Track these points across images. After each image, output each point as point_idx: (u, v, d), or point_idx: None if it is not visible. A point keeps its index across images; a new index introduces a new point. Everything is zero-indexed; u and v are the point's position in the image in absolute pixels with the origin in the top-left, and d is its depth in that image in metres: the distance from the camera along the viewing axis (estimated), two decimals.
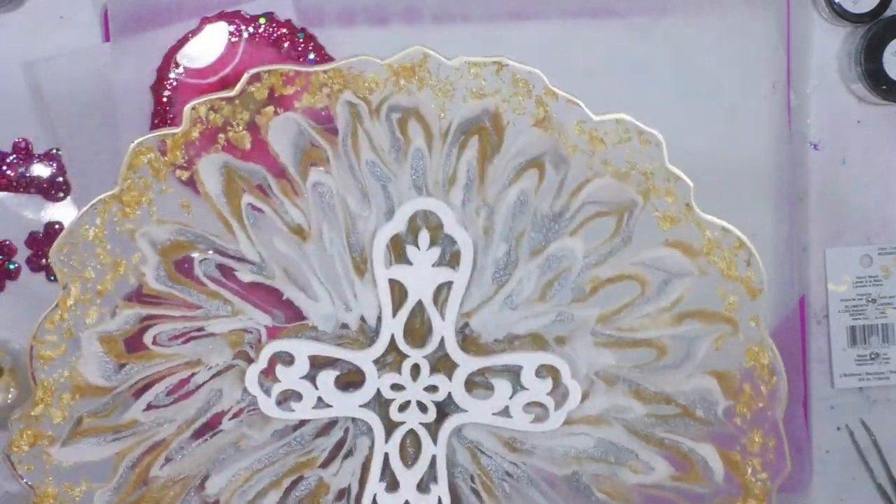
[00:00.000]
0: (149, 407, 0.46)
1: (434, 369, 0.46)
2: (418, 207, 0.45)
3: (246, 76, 0.45)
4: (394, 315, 0.45)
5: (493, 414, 0.46)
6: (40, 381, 0.46)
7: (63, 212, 0.60)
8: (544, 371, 0.46)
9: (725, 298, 0.47)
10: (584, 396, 0.46)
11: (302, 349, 0.45)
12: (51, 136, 0.60)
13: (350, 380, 0.46)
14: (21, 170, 0.60)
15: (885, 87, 0.62)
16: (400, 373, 0.46)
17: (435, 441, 0.46)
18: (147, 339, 0.46)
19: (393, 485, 0.46)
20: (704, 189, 0.63)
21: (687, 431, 0.47)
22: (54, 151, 0.60)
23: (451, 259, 0.46)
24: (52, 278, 0.60)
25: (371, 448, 0.46)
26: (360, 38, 0.59)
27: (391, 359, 0.46)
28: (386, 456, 0.46)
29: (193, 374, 0.46)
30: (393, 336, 0.46)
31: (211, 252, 0.46)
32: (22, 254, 0.60)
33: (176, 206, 0.45)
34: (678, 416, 0.47)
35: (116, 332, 0.46)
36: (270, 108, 0.45)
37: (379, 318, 0.46)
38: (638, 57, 0.63)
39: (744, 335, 0.47)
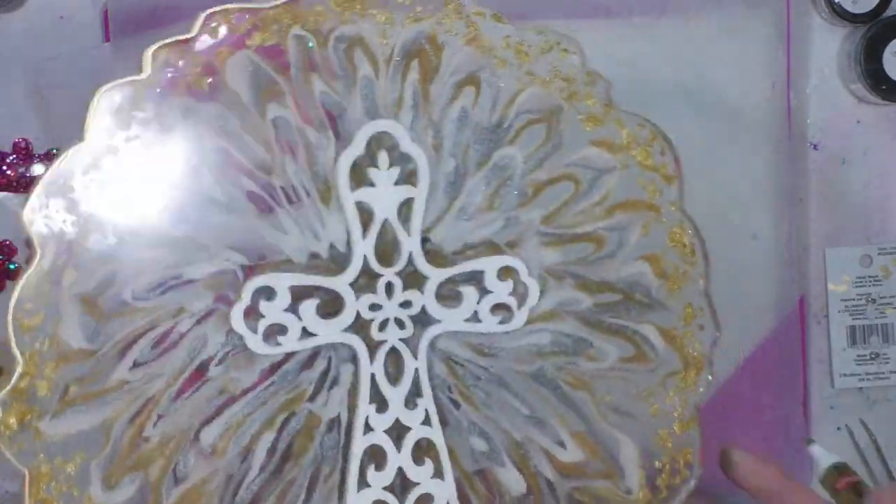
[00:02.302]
0: (135, 364, 0.46)
1: (406, 285, 0.48)
2: (375, 130, 0.47)
3: (201, 17, 0.46)
4: (364, 237, 0.47)
5: (465, 320, 0.48)
6: (24, 353, 0.44)
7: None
8: (503, 273, 0.49)
9: (646, 187, 0.50)
10: (540, 296, 0.49)
11: (282, 282, 0.46)
12: (51, 136, 0.60)
13: (328, 310, 0.47)
14: (21, 170, 0.60)
15: (885, 87, 0.62)
16: (375, 292, 0.47)
17: (416, 355, 0.48)
18: (126, 294, 0.45)
19: (382, 405, 0.48)
20: (705, 189, 0.63)
21: (630, 315, 0.50)
22: (54, 151, 0.60)
23: (407, 177, 0.48)
24: None
25: (355, 373, 0.48)
26: None
27: (365, 281, 0.48)
28: (372, 377, 0.47)
29: (176, 325, 0.46)
30: (365, 257, 0.47)
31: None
32: (22, 254, 0.60)
33: (145, 153, 0.45)
34: (620, 301, 0.50)
35: (95, 292, 0.45)
36: (225, 49, 0.46)
37: (348, 244, 0.47)
38: (638, 57, 0.63)
39: (666, 219, 0.50)
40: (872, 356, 0.64)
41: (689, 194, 0.63)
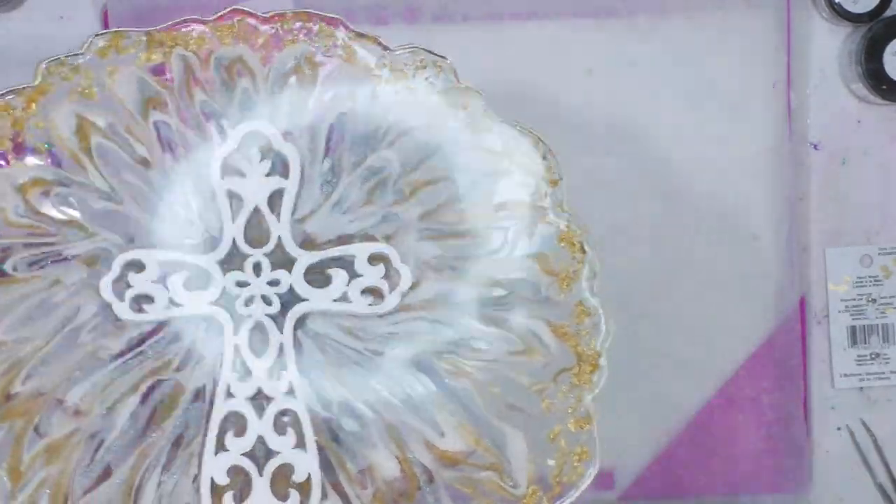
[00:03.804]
0: (10, 328, 0.50)
1: (275, 266, 0.51)
2: (248, 129, 0.51)
3: (91, 37, 0.51)
4: (233, 221, 0.51)
5: (334, 300, 0.51)
6: None
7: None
8: (374, 259, 0.51)
9: (531, 190, 0.52)
10: (416, 284, 0.52)
11: (151, 256, 0.51)
12: None
13: (197, 286, 0.51)
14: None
15: (885, 87, 0.62)
16: (243, 270, 0.51)
17: (281, 330, 0.51)
18: (8, 266, 0.50)
19: (245, 375, 0.51)
20: (705, 189, 0.63)
21: (516, 310, 0.52)
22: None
23: (282, 172, 0.52)
24: None
25: (223, 346, 0.51)
26: None
27: (234, 261, 0.51)
28: (236, 347, 0.50)
29: (51, 296, 0.51)
30: (234, 239, 0.51)
31: (66, 186, 0.51)
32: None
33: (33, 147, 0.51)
34: (505, 296, 0.52)
35: None
36: (115, 67, 0.51)
37: (221, 229, 0.51)
38: (638, 57, 0.63)
39: (553, 219, 0.52)
40: (873, 356, 0.64)
41: (690, 194, 0.63)
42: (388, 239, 0.52)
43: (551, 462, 0.50)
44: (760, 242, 0.63)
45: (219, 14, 0.52)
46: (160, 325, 0.51)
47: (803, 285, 0.64)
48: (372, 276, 0.51)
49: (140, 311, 0.50)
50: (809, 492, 0.63)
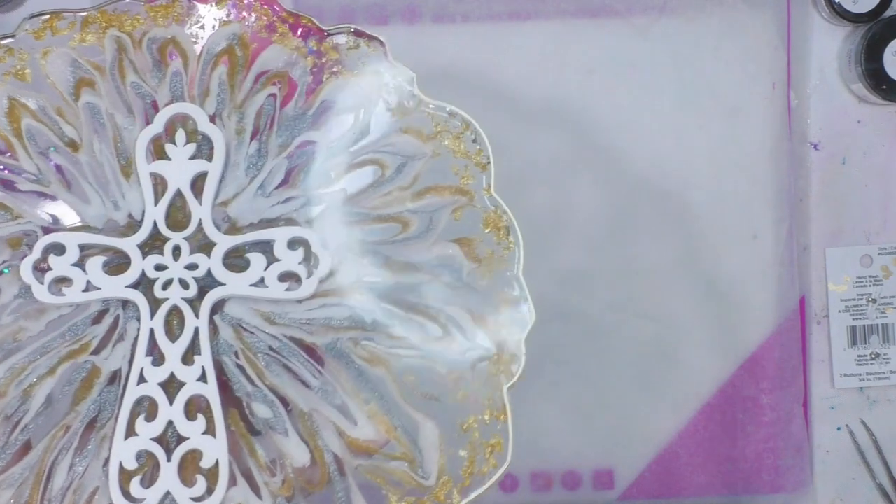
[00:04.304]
0: None
1: (194, 250, 0.51)
2: (173, 112, 0.52)
3: (25, 18, 0.52)
4: (156, 204, 0.51)
5: (251, 285, 0.51)
6: None
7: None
8: (293, 244, 0.51)
9: (459, 173, 0.51)
10: (336, 270, 0.51)
11: (72, 239, 0.51)
12: None
13: (118, 270, 0.52)
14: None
15: (885, 87, 0.62)
16: (163, 254, 0.51)
17: (197, 315, 0.51)
18: None
19: (159, 359, 0.50)
20: (705, 189, 0.63)
21: (436, 296, 0.51)
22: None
23: (207, 155, 0.52)
24: None
25: (139, 329, 0.51)
26: None
27: (153, 244, 0.51)
28: (151, 332, 0.50)
29: None
30: (155, 222, 0.51)
31: None
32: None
33: None
34: (426, 282, 0.51)
35: None
36: (49, 49, 0.52)
37: (144, 213, 0.52)
38: (638, 57, 0.63)
39: (480, 204, 0.51)
40: (872, 356, 0.64)
41: (690, 194, 0.63)
42: (309, 223, 0.52)
43: (463, 453, 0.49)
44: (760, 242, 0.63)
45: None
46: (79, 308, 0.51)
47: (803, 285, 0.64)
48: (290, 260, 0.51)
49: (59, 293, 0.51)
50: (809, 491, 0.63)
